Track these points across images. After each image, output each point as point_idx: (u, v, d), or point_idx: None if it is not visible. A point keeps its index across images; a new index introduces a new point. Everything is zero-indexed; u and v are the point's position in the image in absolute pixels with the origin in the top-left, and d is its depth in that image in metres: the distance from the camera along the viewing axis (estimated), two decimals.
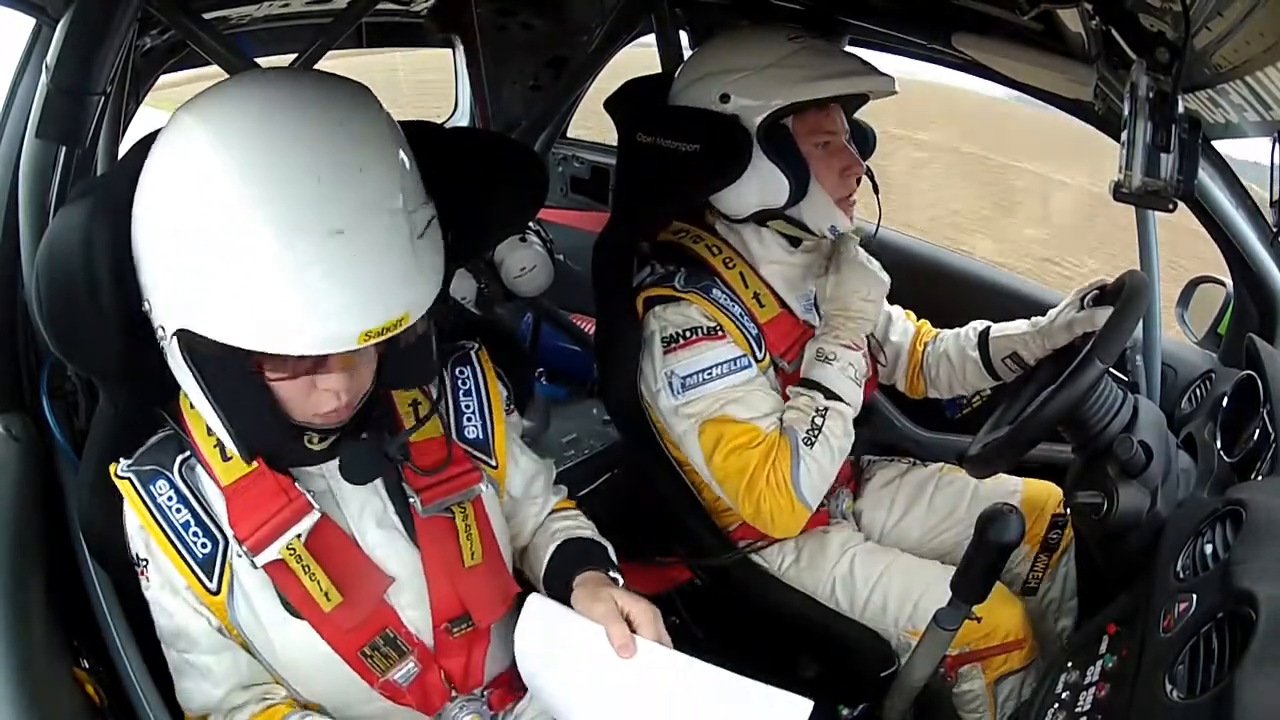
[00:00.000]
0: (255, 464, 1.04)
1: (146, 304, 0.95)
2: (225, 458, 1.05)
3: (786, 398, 1.59)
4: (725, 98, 1.50)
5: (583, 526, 1.29)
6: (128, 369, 1.03)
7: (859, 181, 1.57)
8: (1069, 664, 1.14)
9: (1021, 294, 2.19)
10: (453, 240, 1.03)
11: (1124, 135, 1.07)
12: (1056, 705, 1.10)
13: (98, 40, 1.08)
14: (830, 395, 1.47)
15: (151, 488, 1.04)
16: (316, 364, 0.95)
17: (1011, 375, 1.69)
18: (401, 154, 0.96)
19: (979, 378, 1.75)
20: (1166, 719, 0.85)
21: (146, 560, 1.05)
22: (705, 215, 1.63)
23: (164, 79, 1.72)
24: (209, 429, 1.04)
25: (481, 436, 1.19)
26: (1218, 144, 1.55)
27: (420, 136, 1.03)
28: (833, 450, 1.47)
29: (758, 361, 1.54)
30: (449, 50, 2.69)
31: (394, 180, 0.93)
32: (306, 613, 1.04)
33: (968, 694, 1.55)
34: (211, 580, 1.03)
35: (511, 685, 1.24)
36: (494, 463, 1.19)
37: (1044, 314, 1.63)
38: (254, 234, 0.85)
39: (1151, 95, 1.03)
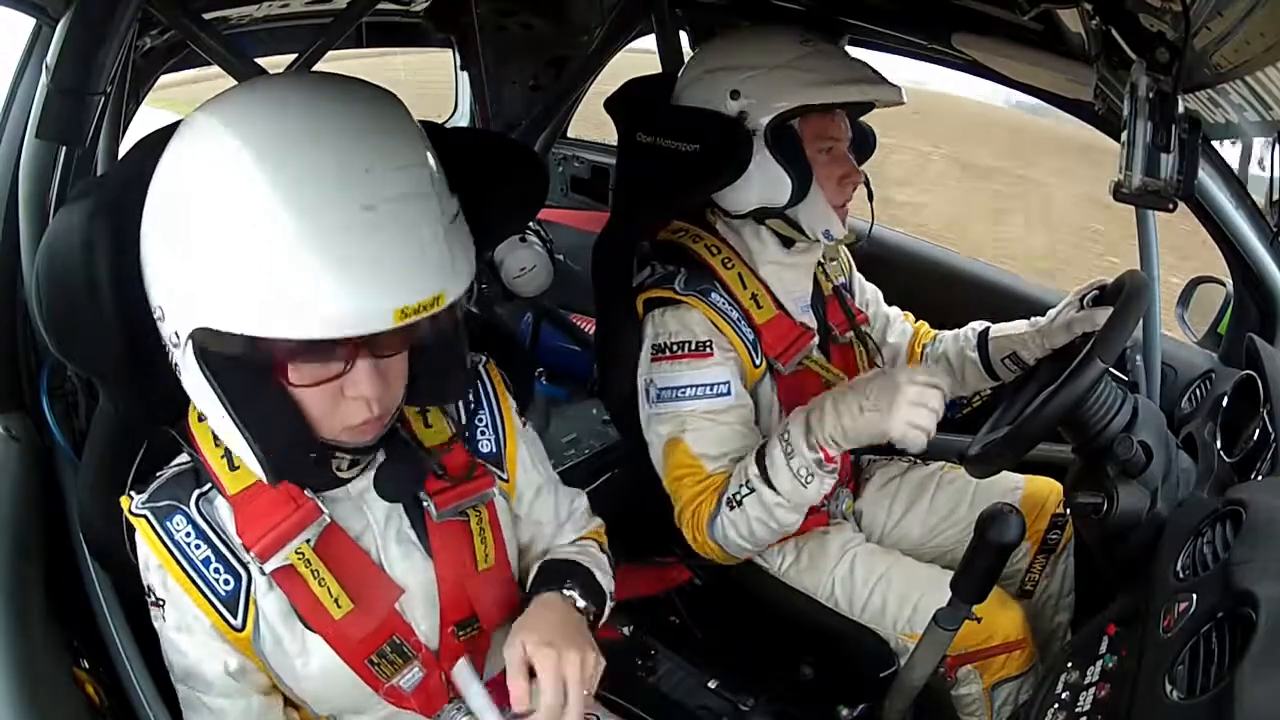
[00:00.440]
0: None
1: (158, 311, 0.91)
2: (233, 467, 1.02)
3: (784, 399, 1.59)
4: (735, 94, 1.50)
5: (583, 553, 1.24)
6: (128, 370, 1.02)
7: (855, 189, 1.57)
8: (1069, 664, 1.14)
9: (1021, 294, 2.19)
10: None
11: (1124, 135, 1.07)
12: (1056, 705, 1.09)
13: (98, 40, 1.08)
14: (765, 479, 1.41)
15: (169, 524, 1.00)
16: (344, 367, 0.90)
17: (1011, 376, 1.69)
18: (428, 152, 0.93)
19: (978, 379, 1.75)
20: (1166, 719, 0.85)
21: (163, 599, 1.02)
22: (706, 214, 1.63)
23: (164, 79, 1.72)
24: (217, 440, 1.02)
25: (495, 450, 1.18)
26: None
27: None
28: (750, 523, 1.43)
29: (754, 367, 1.54)
30: (448, 50, 2.69)
31: (422, 167, 0.89)
32: (316, 622, 1.03)
33: (966, 697, 1.56)
34: (236, 617, 1.01)
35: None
36: (505, 475, 1.18)
37: (1044, 314, 1.63)
38: (278, 215, 0.80)
39: (1151, 95, 1.03)
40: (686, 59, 1.81)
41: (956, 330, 1.81)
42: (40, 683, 0.94)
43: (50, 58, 1.08)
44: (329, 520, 1.03)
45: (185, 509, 1.01)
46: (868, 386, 1.35)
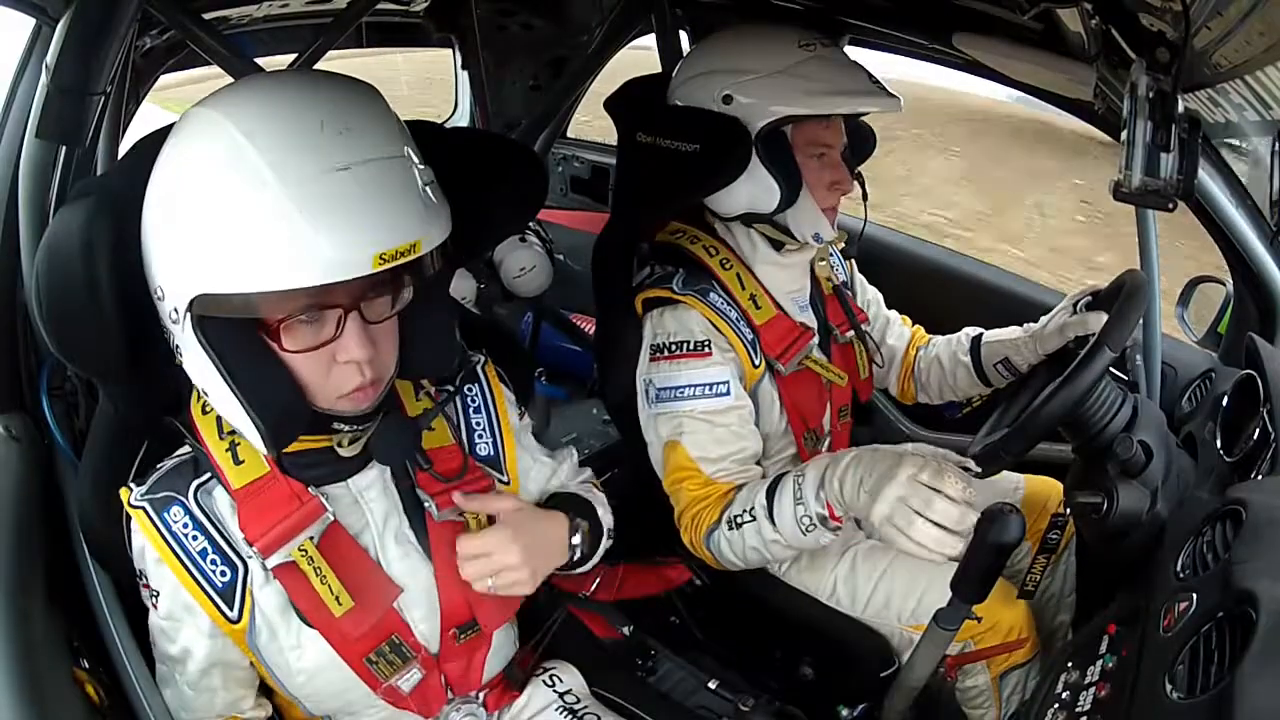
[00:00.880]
0: (268, 468, 1.03)
1: (158, 292, 0.93)
2: (238, 461, 1.03)
3: (785, 399, 1.59)
4: (728, 99, 1.49)
5: (589, 492, 1.30)
6: (128, 370, 1.03)
7: (846, 194, 1.56)
8: (1069, 664, 1.14)
9: (1020, 294, 2.19)
10: (452, 241, 1.03)
11: (1124, 135, 1.07)
12: (1057, 705, 1.09)
13: (98, 40, 1.07)
14: (769, 513, 1.40)
15: (166, 515, 1.01)
16: (335, 332, 0.93)
17: (1003, 381, 1.70)
18: (400, 129, 0.96)
19: (970, 384, 1.76)
20: (1166, 719, 0.85)
21: (158, 590, 1.04)
22: (704, 215, 1.63)
23: (164, 79, 1.72)
24: (220, 432, 1.04)
25: (493, 453, 1.19)
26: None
27: (420, 136, 1.03)
28: (745, 548, 1.44)
29: (753, 367, 1.54)
30: (448, 51, 2.69)
31: (395, 138, 0.93)
32: (316, 619, 1.04)
33: (972, 689, 1.56)
34: (232, 609, 1.02)
35: (506, 686, 1.24)
36: (506, 478, 1.20)
37: (1042, 313, 1.63)
38: (262, 178, 0.85)
39: (1151, 95, 1.03)
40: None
41: (950, 335, 1.81)
42: (40, 683, 0.94)
43: (50, 58, 1.08)
44: (332, 518, 1.04)
45: (183, 500, 1.02)
46: (876, 463, 1.27)
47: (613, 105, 1.73)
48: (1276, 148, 1.13)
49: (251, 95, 0.92)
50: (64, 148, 1.19)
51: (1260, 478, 1.19)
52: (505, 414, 1.21)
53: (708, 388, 1.50)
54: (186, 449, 1.06)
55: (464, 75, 2.68)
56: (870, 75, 1.50)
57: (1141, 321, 1.61)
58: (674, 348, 1.52)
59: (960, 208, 7.44)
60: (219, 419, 1.04)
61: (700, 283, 1.54)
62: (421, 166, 0.94)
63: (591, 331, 2.42)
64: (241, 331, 0.91)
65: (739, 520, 1.44)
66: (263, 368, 0.93)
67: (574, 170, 2.81)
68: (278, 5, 1.79)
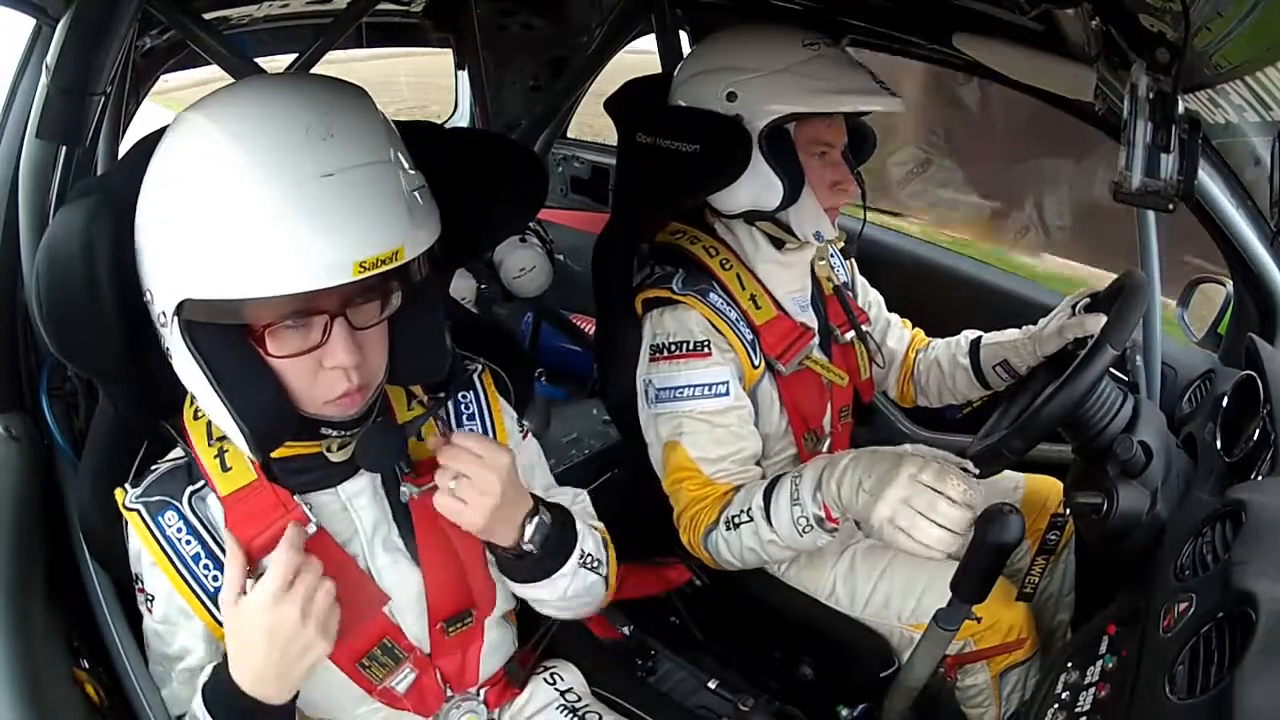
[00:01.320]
0: (255, 475, 1.03)
1: (148, 294, 0.94)
2: (225, 468, 1.03)
3: (786, 400, 1.59)
4: (732, 96, 1.49)
5: (579, 507, 1.25)
6: (128, 370, 1.03)
7: (848, 195, 1.56)
8: (1069, 664, 1.14)
9: (1020, 294, 2.19)
10: (452, 241, 1.03)
11: (1124, 135, 1.07)
12: (1056, 705, 1.09)
13: (98, 40, 1.08)
14: (766, 514, 1.40)
15: (160, 519, 1.01)
16: (321, 338, 0.92)
17: (1002, 383, 1.70)
18: (389, 133, 0.96)
19: (969, 386, 1.76)
20: (1166, 719, 0.85)
21: (153, 594, 1.04)
22: (704, 215, 1.63)
23: (164, 79, 1.72)
24: (210, 438, 1.04)
25: None
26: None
27: (420, 136, 1.03)
28: (742, 549, 1.45)
29: (753, 368, 1.54)
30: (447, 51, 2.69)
31: (382, 143, 0.93)
32: None
33: (971, 688, 1.56)
34: (223, 612, 1.00)
35: (507, 683, 1.24)
36: None
37: (1043, 314, 1.63)
38: (246, 185, 0.85)
39: (1151, 95, 1.03)
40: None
41: (949, 339, 1.81)
42: (40, 683, 0.94)
43: (50, 58, 1.08)
44: (315, 529, 1.03)
45: (178, 505, 1.02)
46: (876, 464, 1.27)
47: (613, 105, 1.73)
48: (1276, 148, 1.13)
49: (239, 100, 0.93)
50: (64, 148, 1.19)
51: (1260, 478, 1.19)
52: (501, 425, 1.19)
53: (707, 388, 1.50)
54: (179, 452, 1.06)
55: (464, 75, 2.68)
56: (873, 75, 1.51)
57: (1141, 322, 1.61)
58: (674, 348, 1.52)
59: None
60: (209, 424, 1.04)
61: (700, 283, 1.54)
62: (410, 171, 0.94)
63: (591, 331, 2.42)
64: (228, 336, 0.91)
65: (736, 521, 1.44)
66: (249, 372, 0.93)
67: (574, 170, 2.81)
68: (278, 5, 1.79)
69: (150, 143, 0.97)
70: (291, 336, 0.92)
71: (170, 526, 1.01)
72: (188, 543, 1.01)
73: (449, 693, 1.16)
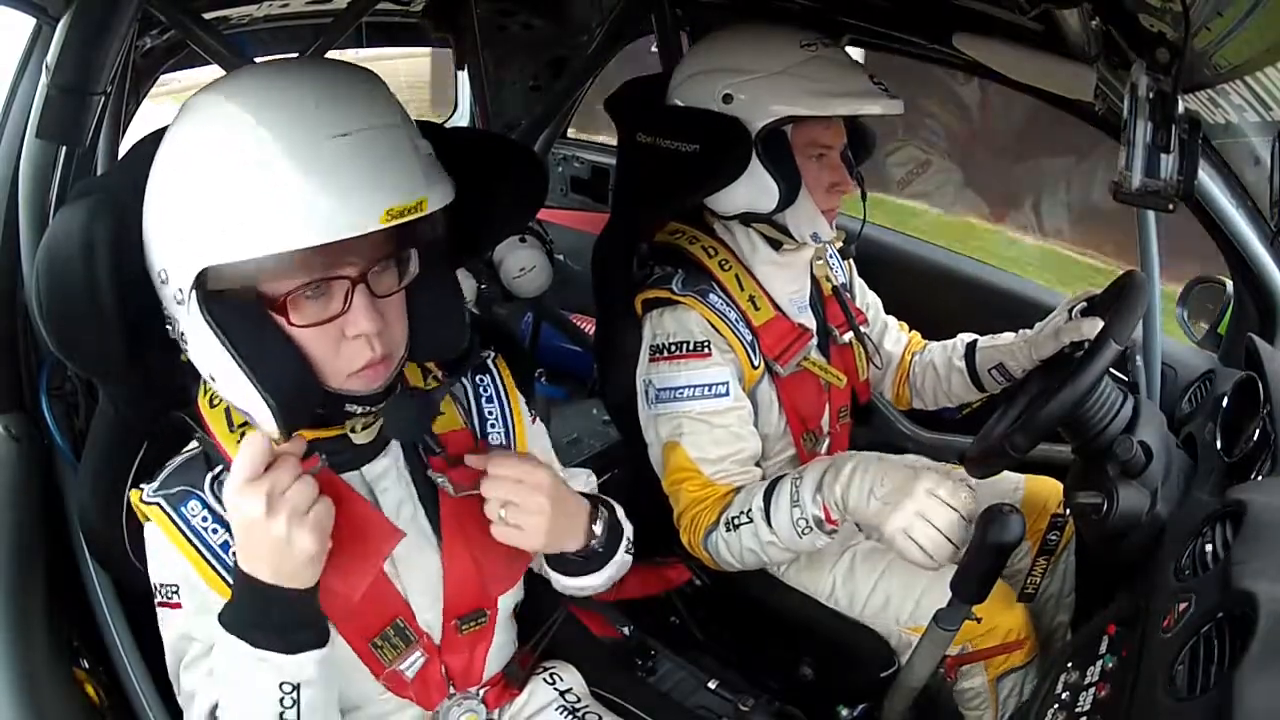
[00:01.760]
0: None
1: (161, 275, 0.93)
2: None
3: (784, 401, 1.59)
4: (728, 98, 1.49)
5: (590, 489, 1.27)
6: (128, 370, 1.03)
7: (845, 195, 1.56)
8: (1069, 664, 1.14)
9: (1020, 294, 2.19)
10: (452, 240, 1.03)
11: (1124, 135, 1.07)
12: (1056, 705, 1.09)
13: (98, 40, 1.08)
14: (766, 515, 1.41)
15: (184, 509, 0.99)
16: (343, 306, 0.92)
17: (997, 387, 1.71)
18: (399, 105, 0.96)
19: (964, 389, 1.76)
20: (1166, 719, 0.85)
21: (176, 586, 1.00)
22: (704, 215, 1.63)
23: (165, 79, 1.72)
24: (231, 424, 1.02)
25: (505, 443, 1.18)
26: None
27: None
28: (742, 550, 1.45)
29: (752, 369, 1.54)
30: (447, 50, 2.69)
31: (393, 110, 0.94)
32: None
33: (969, 691, 1.56)
34: None
35: (507, 683, 1.24)
36: None
37: (1042, 315, 1.63)
38: (265, 146, 0.85)
39: (1151, 95, 1.03)
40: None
41: (945, 341, 1.81)
42: (40, 683, 0.95)
43: (50, 57, 1.08)
44: (323, 464, 0.97)
45: (199, 493, 1.00)
46: (889, 474, 1.30)
47: (613, 106, 1.73)
48: (1277, 148, 1.13)
49: (250, 78, 0.93)
50: (64, 148, 1.19)
51: (1260, 478, 1.19)
52: (519, 411, 1.20)
53: (707, 388, 1.50)
54: (194, 445, 1.05)
55: (464, 75, 2.68)
56: (872, 76, 1.50)
57: (1141, 322, 1.61)
58: (674, 348, 1.52)
59: None
60: (228, 411, 1.03)
61: (700, 283, 1.54)
62: (421, 139, 0.95)
63: (591, 331, 2.42)
64: (248, 309, 0.91)
65: (736, 522, 1.44)
66: (271, 345, 0.92)
67: (574, 170, 2.81)
68: (278, 5, 1.79)
69: (151, 142, 0.97)
70: (312, 306, 0.92)
71: (195, 516, 1.00)
72: (214, 531, 0.99)
73: (451, 689, 1.16)
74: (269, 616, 0.92)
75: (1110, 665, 1.07)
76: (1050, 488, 1.71)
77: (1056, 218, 5.39)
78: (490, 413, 1.19)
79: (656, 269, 1.61)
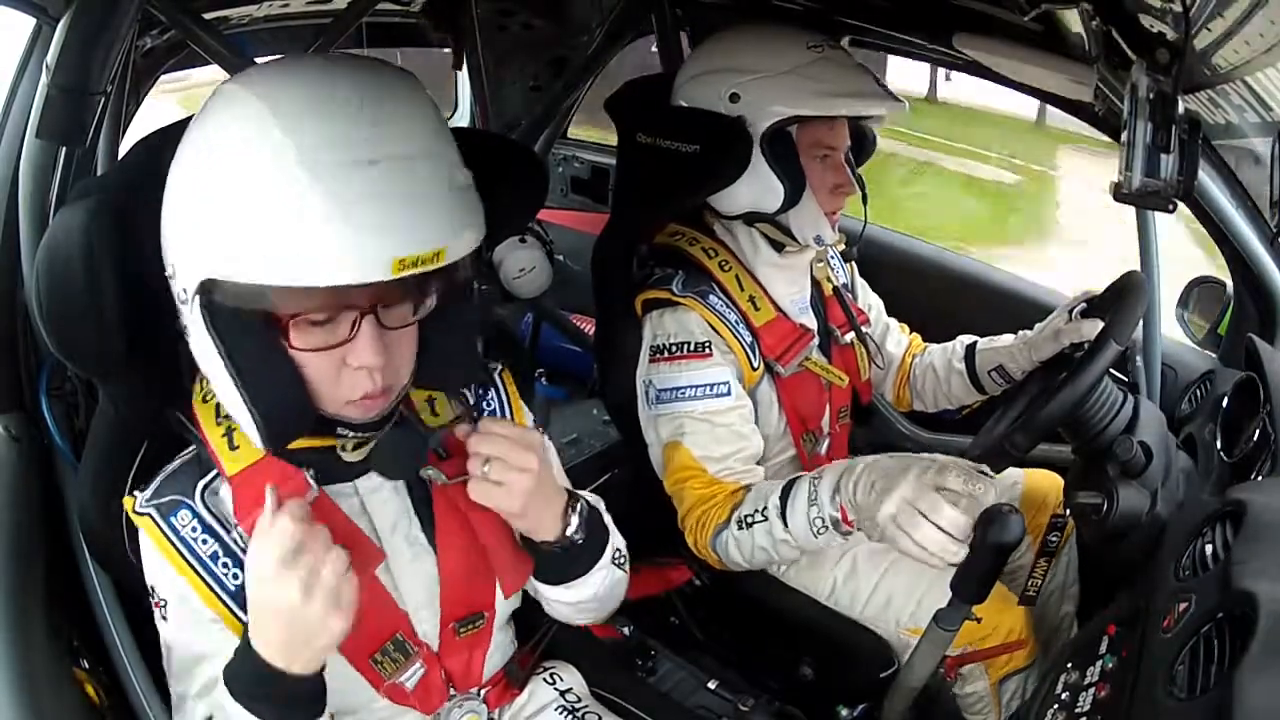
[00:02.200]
0: (263, 452, 0.98)
1: (170, 268, 0.90)
2: (232, 446, 0.99)
3: (785, 401, 1.59)
4: (735, 97, 1.49)
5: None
6: (128, 370, 1.02)
7: (848, 197, 1.56)
8: (1069, 664, 1.14)
9: (1020, 294, 2.19)
10: None
11: (1124, 136, 1.07)
12: (1056, 705, 1.09)
13: (98, 40, 1.07)
14: (781, 514, 1.39)
15: (174, 520, 0.97)
16: (349, 334, 0.88)
17: (997, 389, 1.71)
18: (441, 125, 0.93)
19: (964, 391, 1.77)
20: (1166, 719, 0.85)
21: (166, 599, 0.99)
22: (704, 216, 1.63)
23: (166, 79, 1.72)
24: (217, 416, 1.00)
25: None
26: None
27: None
28: (754, 548, 1.44)
29: (752, 370, 1.54)
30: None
31: (432, 134, 0.90)
32: None
33: (971, 695, 1.56)
34: (245, 611, 0.96)
35: (507, 684, 1.24)
36: None
37: (1043, 315, 1.63)
38: (286, 166, 0.81)
39: (1151, 96, 1.02)
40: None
41: (945, 344, 1.81)
42: (40, 683, 0.94)
43: (50, 57, 1.08)
44: (317, 492, 0.98)
45: (190, 503, 0.99)
46: (881, 466, 1.27)
47: (613, 106, 1.73)
48: (1277, 148, 1.13)
49: (288, 76, 0.88)
50: (64, 148, 1.18)
51: (1260, 478, 1.19)
52: (522, 420, 1.18)
53: (709, 388, 1.50)
54: (190, 449, 1.04)
55: (464, 75, 2.68)
56: (876, 78, 1.51)
57: (1141, 322, 1.61)
58: (674, 349, 1.52)
59: None
60: (218, 407, 1.01)
61: (700, 285, 1.55)
62: (461, 169, 0.91)
63: (591, 332, 2.42)
64: (250, 323, 0.87)
65: (749, 520, 1.43)
66: (268, 362, 0.89)
67: (574, 170, 2.80)
68: (278, 5, 1.79)
69: (152, 142, 0.96)
70: (316, 331, 0.88)
71: (184, 526, 0.98)
72: (204, 542, 0.98)
73: (452, 691, 1.16)
74: (269, 696, 0.91)
75: (1110, 665, 1.07)
76: (1051, 482, 1.71)
77: None
78: (492, 413, 1.17)
79: (656, 270, 1.61)
